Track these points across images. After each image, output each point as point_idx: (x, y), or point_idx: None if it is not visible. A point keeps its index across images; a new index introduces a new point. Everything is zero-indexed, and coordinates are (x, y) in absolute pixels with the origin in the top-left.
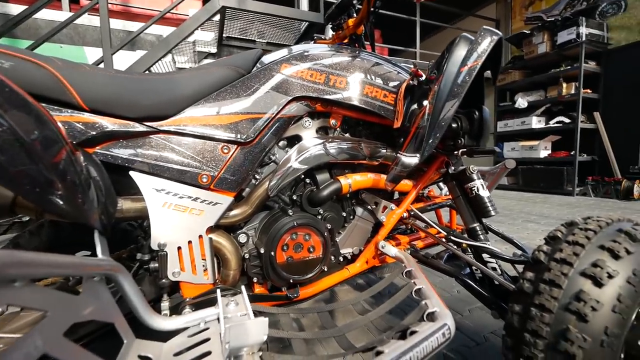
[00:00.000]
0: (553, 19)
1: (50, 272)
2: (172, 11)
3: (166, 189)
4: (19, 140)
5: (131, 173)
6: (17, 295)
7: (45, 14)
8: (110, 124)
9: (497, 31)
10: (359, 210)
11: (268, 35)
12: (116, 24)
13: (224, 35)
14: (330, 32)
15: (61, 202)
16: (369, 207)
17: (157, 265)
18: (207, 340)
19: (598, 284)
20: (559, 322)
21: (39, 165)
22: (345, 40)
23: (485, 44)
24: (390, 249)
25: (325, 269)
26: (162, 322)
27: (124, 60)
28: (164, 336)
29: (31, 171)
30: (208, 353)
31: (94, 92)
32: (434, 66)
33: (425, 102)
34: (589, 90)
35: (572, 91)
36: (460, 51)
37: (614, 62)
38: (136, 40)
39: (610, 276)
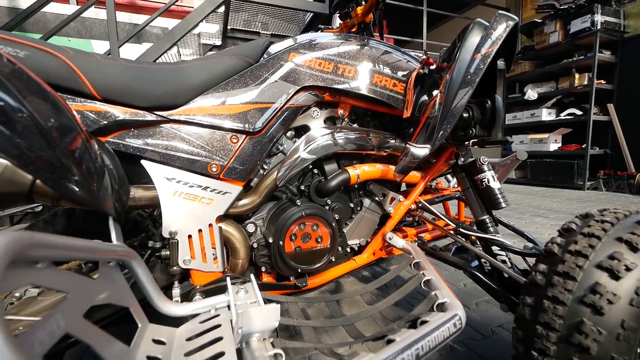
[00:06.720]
0: (566, 6)
1: (69, 255)
2: (177, 3)
3: (177, 177)
4: (38, 127)
5: (143, 162)
6: (39, 276)
7: (54, 8)
8: (121, 113)
9: (513, 16)
10: (367, 202)
11: (272, 27)
12: (122, 16)
13: (228, 27)
14: (337, 21)
15: (77, 189)
16: (376, 198)
17: (168, 252)
18: (218, 326)
19: (615, 276)
20: (573, 314)
21: (57, 152)
22: (354, 29)
23: (501, 30)
24: (398, 241)
25: (333, 260)
26: (174, 308)
27: (130, 53)
28: (175, 322)
29: (50, 157)
30: (219, 339)
31: (106, 81)
32: (446, 54)
33: (436, 92)
34: (602, 81)
35: (585, 82)
36: (474, 38)
37: (630, 52)
38: (142, 33)
39: (628, 269)
